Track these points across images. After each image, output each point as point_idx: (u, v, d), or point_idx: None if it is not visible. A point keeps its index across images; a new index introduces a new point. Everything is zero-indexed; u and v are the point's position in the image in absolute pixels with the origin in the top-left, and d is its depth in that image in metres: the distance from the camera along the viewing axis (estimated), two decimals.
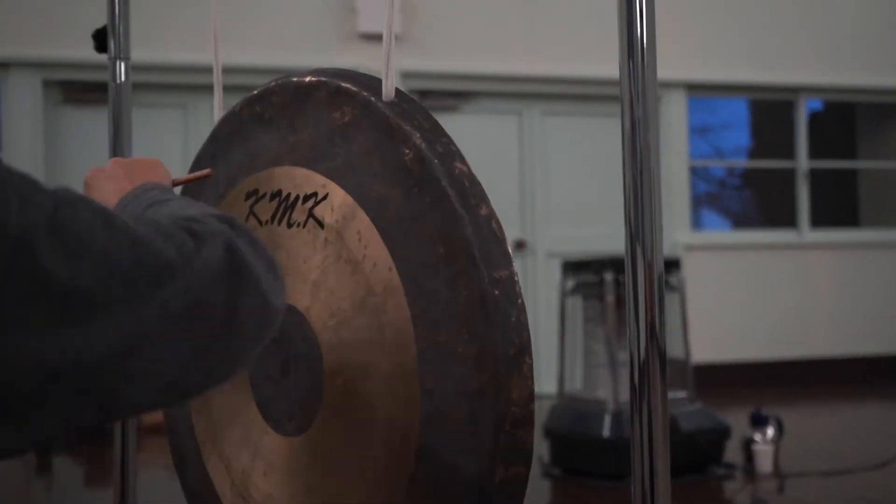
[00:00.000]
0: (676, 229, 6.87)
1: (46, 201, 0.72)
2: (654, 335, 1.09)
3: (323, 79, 1.38)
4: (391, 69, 1.29)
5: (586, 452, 3.84)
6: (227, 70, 6.17)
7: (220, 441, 1.56)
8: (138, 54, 1.82)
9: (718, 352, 6.85)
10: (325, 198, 1.35)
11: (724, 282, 6.99)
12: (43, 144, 5.89)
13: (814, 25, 7.25)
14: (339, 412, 1.34)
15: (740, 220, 8.77)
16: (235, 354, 0.85)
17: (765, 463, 3.94)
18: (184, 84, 6.12)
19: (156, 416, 5.43)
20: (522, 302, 1.20)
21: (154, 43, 5.84)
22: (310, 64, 6.11)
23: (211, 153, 1.55)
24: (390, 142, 1.27)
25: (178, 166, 6.20)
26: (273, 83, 1.46)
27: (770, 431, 4.05)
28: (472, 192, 1.22)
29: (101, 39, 1.74)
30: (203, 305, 0.79)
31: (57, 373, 0.71)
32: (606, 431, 3.78)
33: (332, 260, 1.34)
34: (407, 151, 1.25)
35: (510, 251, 1.22)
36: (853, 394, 6.39)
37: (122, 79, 1.76)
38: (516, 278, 1.21)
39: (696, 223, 7.65)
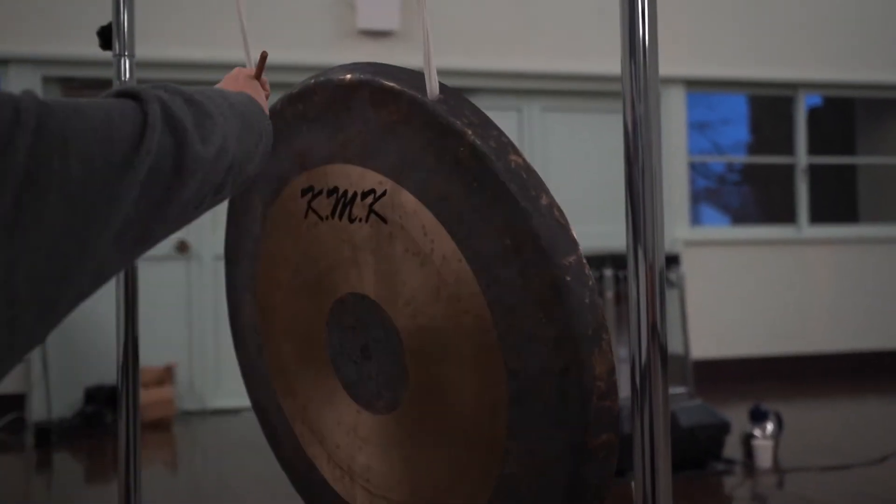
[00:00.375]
0: (675, 225, 6.88)
1: (28, 103, 0.78)
2: (656, 334, 1.09)
3: (363, 77, 1.40)
4: (433, 67, 1.32)
5: None
6: (229, 66, 6.20)
7: (310, 419, 1.64)
8: (141, 51, 1.83)
9: (718, 347, 6.85)
10: (383, 194, 1.39)
11: (724, 278, 7.00)
12: None
13: (813, 21, 7.25)
14: (426, 392, 1.41)
15: (739, 216, 8.77)
16: (185, 201, 0.95)
17: (764, 458, 3.95)
18: (186, 81, 6.11)
19: (156, 412, 5.44)
20: (594, 283, 1.24)
21: (156, 39, 5.84)
22: (310, 61, 6.12)
23: None
24: (443, 139, 1.30)
25: None
26: (312, 81, 1.48)
27: (769, 427, 4.05)
28: (530, 183, 1.26)
29: (106, 37, 1.75)
30: (158, 163, 0.89)
31: (67, 251, 0.79)
32: None
33: (399, 252, 1.39)
34: (461, 149, 1.28)
35: (575, 235, 1.26)
36: (852, 389, 6.40)
37: (127, 76, 1.76)
38: (584, 261, 1.25)
39: (695, 219, 7.65)
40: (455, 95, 1.34)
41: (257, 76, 1.43)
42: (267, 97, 1.44)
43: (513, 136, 6.75)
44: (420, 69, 1.38)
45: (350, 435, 1.56)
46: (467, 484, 1.39)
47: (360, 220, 1.44)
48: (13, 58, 5.82)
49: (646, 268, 1.10)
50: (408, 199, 1.36)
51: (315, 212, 1.51)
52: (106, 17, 1.81)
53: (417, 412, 1.43)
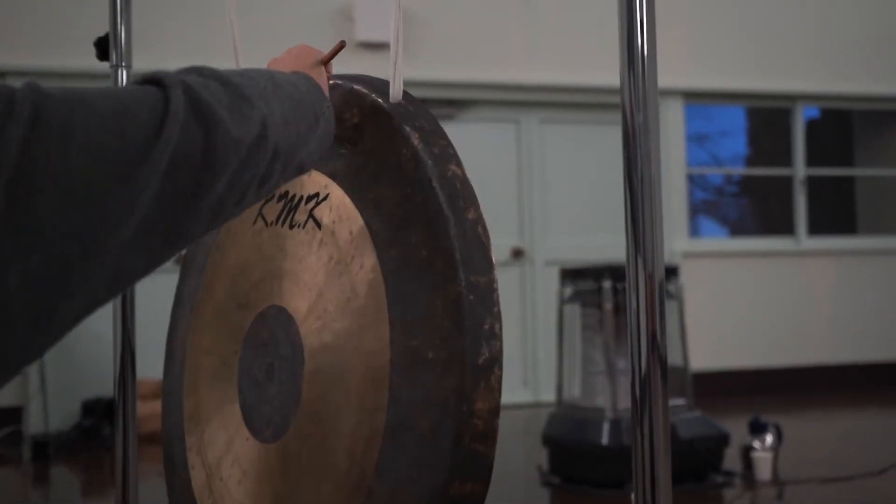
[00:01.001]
0: (674, 237, 6.87)
1: (26, 94, 0.73)
2: (656, 345, 1.09)
3: (338, 82, 1.38)
4: (399, 71, 1.30)
5: (585, 460, 3.84)
6: None
7: (205, 448, 1.53)
8: (138, 62, 1.82)
9: (717, 359, 6.84)
10: (325, 198, 1.35)
11: (722, 289, 6.99)
12: None
13: (811, 33, 7.26)
14: (312, 419, 1.31)
15: (738, 228, 8.77)
16: (212, 193, 0.88)
17: (764, 470, 3.94)
18: None
19: (154, 425, 5.42)
20: (499, 311, 1.16)
21: (152, 51, 5.84)
22: None
23: None
24: (392, 143, 1.27)
25: None
26: None
27: (769, 438, 4.04)
28: (462, 194, 1.20)
29: (103, 48, 1.74)
30: (182, 153, 0.82)
31: (67, 253, 0.73)
32: (605, 439, 3.78)
33: (324, 261, 1.33)
34: (405, 152, 1.24)
35: (493, 258, 1.18)
36: (852, 401, 6.39)
37: None
38: (495, 286, 1.17)
39: (694, 231, 7.65)
40: (416, 103, 1.31)
41: (325, 62, 1.35)
42: (330, 81, 1.35)
43: (511, 147, 6.76)
44: (412, 81, 1.37)
45: (234, 466, 1.45)
46: None
47: (299, 225, 1.38)
48: (9, 70, 5.82)
49: (645, 278, 1.10)
50: (344, 203, 1.31)
51: (263, 217, 1.46)
52: (103, 29, 1.80)
53: (299, 442, 1.33)
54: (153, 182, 0.79)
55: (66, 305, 0.76)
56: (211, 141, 0.85)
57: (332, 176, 1.35)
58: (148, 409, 5.47)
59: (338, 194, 1.33)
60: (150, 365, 5.89)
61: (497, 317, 1.16)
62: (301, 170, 1.06)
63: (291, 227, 1.39)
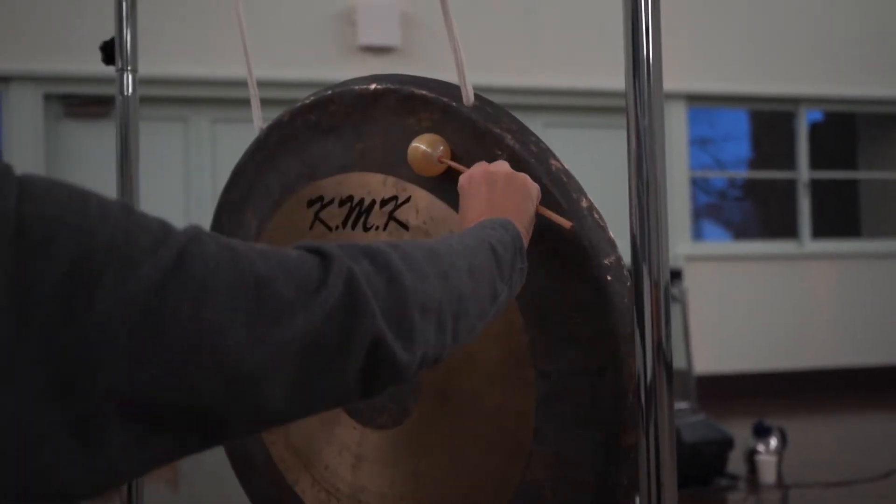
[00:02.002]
0: (677, 240, 6.87)
1: (179, 239, 0.72)
2: (661, 350, 1.09)
3: (390, 86, 1.39)
4: (466, 75, 1.33)
5: None
6: (229, 83, 6.20)
7: (294, 441, 1.58)
8: (141, 67, 1.83)
9: (720, 362, 6.83)
10: (406, 201, 1.37)
11: (726, 293, 6.99)
12: (44, 158, 5.90)
13: (814, 36, 7.26)
14: (440, 401, 1.38)
15: (741, 231, 8.77)
16: (341, 387, 0.83)
17: (768, 474, 3.94)
18: (185, 97, 6.13)
19: None
20: (630, 285, 1.23)
21: (156, 56, 5.85)
22: (310, 77, 6.13)
23: (258, 162, 1.55)
24: (479, 145, 1.29)
25: (179, 179, 6.20)
26: (329, 91, 1.46)
27: (773, 442, 4.04)
28: (571, 186, 1.27)
29: (108, 52, 1.74)
30: (319, 342, 0.78)
31: (175, 404, 0.71)
32: None
33: None
34: (499, 153, 1.28)
35: (613, 238, 1.27)
36: (856, 404, 6.38)
37: (130, 91, 1.75)
38: (622, 262, 1.25)
39: (697, 234, 7.65)
40: (492, 104, 1.34)
41: (545, 214, 1.23)
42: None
43: None
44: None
45: (343, 454, 1.51)
46: (481, 493, 1.36)
47: (377, 227, 1.40)
48: (15, 75, 5.83)
49: (650, 282, 1.10)
50: (435, 204, 1.34)
51: (323, 222, 1.47)
52: (108, 33, 1.80)
53: (428, 424, 1.40)
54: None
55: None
56: (367, 358, 0.82)
57: (411, 180, 1.36)
58: None
59: (424, 197, 1.35)
60: None
61: (630, 290, 1.23)
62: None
63: (366, 229, 1.41)
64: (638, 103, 1.09)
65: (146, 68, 6.37)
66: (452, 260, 0.94)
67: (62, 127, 6.03)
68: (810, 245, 7.31)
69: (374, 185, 1.41)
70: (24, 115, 5.86)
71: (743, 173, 8.69)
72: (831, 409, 6.23)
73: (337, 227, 1.45)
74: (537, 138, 1.30)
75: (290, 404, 0.79)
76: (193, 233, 0.74)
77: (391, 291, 0.84)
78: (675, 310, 4.11)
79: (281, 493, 1.63)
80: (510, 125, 1.30)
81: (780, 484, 3.90)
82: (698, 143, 7.66)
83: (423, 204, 1.36)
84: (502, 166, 1.20)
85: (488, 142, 1.28)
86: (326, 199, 1.46)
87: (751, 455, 4.02)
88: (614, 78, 6.66)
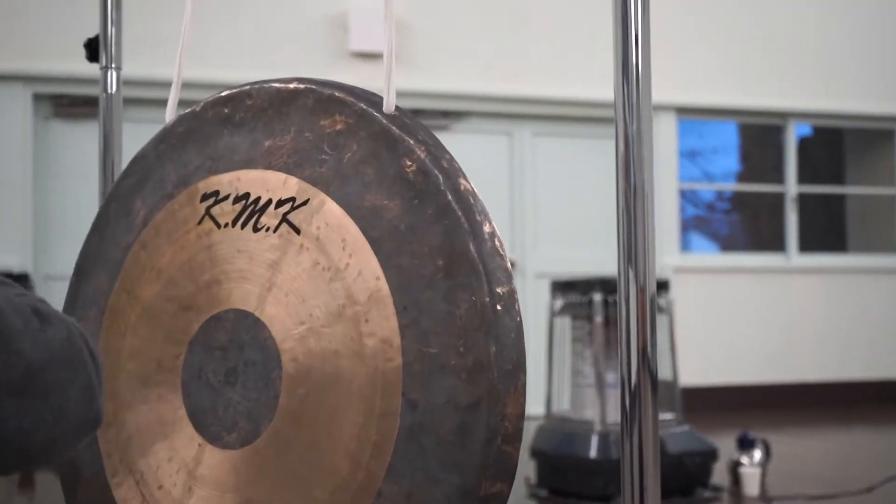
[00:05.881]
0: (665, 252, 6.88)
1: None
2: (646, 359, 1.08)
3: (312, 86, 1.36)
4: (392, 82, 1.29)
5: (573, 473, 3.83)
6: (220, 87, 6.17)
7: (132, 454, 1.47)
8: (129, 69, 1.81)
9: (706, 374, 6.84)
10: (304, 203, 1.32)
11: (712, 305, 7.00)
12: (32, 158, 5.87)
13: (804, 51, 7.28)
14: (295, 423, 1.30)
15: (728, 244, 8.78)
16: (54, 443, 0.85)
17: (751, 486, 3.93)
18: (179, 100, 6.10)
19: None
20: (521, 320, 1.20)
21: (142, 58, 5.83)
22: None
23: (159, 151, 1.50)
24: (391, 153, 1.26)
25: None
26: (248, 86, 1.43)
27: (757, 454, 4.04)
28: (476, 208, 1.23)
29: (93, 49, 1.73)
30: (38, 383, 0.81)
31: None
32: (594, 452, 3.77)
33: (306, 266, 1.31)
34: (409, 163, 1.25)
35: (510, 269, 1.23)
36: (840, 418, 6.39)
37: (114, 89, 1.74)
38: (516, 295, 1.21)
39: (685, 246, 7.66)
40: (410, 116, 1.31)
41: None
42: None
43: (503, 160, 6.76)
44: (406, 91, 1.36)
45: (181, 473, 1.41)
46: None
47: (268, 229, 1.35)
48: (3, 75, 5.81)
49: (637, 290, 1.09)
50: (332, 209, 1.30)
51: (213, 218, 1.42)
52: (95, 32, 1.80)
53: (278, 447, 1.31)
54: None
55: None
56: None
57: (313, 182, 1.32)
58: None
59: (322, 201, 1.31)
60: None
61: (520, 325, 1.20)
62: None
63: (256, 229, 1.36)
64: (626, 107, 1.08)
65: (134, 69, 6.35)
66: None
67: (51, 127, 6.01)
68: (797, 259, 7.33)
69: (274, 184, 1.36)
70: (13, 115, 5.84)
71: (731, 186, 8.71)
72: (816, 422, 6.23)
73: (225, 225, 1.40)
74: (451, 157, 1.27)
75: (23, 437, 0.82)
76: None
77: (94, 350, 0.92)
78: (662, 320, 4.11)
79: None
80: (426, 139, 1.27)
81: (764, 496, 3.90)
82: (687, 155, 7.67)
83: (320, 209, 1.31)
84: None
85: (400, 150, 1.25)
86: (222, 195, 1.41)
87: (735, 467, 4.02)
88: (604, 88, 6.68)
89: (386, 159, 1.27)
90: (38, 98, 5.96)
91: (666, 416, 3.94)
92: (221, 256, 1.40)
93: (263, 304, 1.35)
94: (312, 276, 1.31)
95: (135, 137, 6.53)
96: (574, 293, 4.10)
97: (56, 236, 5.88)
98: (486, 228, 1.22)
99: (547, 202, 6.81)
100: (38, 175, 5.91)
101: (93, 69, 1.77)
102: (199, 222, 1.43)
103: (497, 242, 1.23)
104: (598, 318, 3.94)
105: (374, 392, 1.24)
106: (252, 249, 1.37)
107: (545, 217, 6.81)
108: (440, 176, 1.23)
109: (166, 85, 6.00)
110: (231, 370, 1.37)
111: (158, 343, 1.46)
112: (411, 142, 1.25)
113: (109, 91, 1.74)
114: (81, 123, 5.99)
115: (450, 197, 1.22)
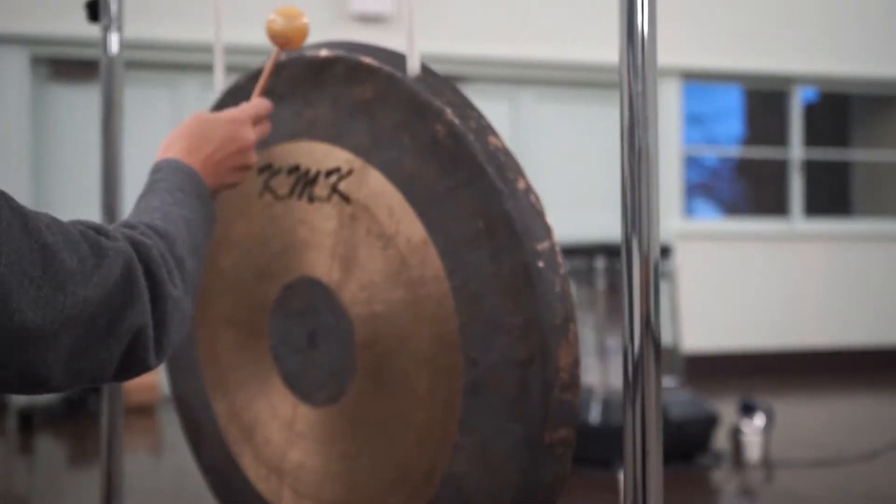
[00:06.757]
0: (669, 217, 6.85)
1: None
2: (649, 326, 1.07)
3: (340, 53, 1.36)
4: (415, 44, 1.28)
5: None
6: (226, 49, 6.09)
7: (240, 414, 1.58)
8: (129, 31, 1.78)
9: (708, 340, 6.84)
10: (349, 173, 1.36)
11: (716, 270, 6.98)
12: (31, 121, 5.83)
13: (809, 14, 7.22)
14: (374, 381, 1.36)
15: (732, 209, 8.75)
16: (104, 366, 0.92)
17: (753, 452, 3.93)
18: (173, 63, 6.06)
19: (140, 396, 5.40)
20: (566, 272, 1.22)
21: (144, 20, 5.78)
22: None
23: None
24: (420, 118, 1.27)
25: None
26: (283, 56, 1.43)
27: (759, 421, 4.04)
28: (508, 166, 1.24)
29: (94, 8, 1.69)
30: (95, 318, 0.88)
31: None
32: (595, 418, 3.77)
33: (361, 234, 1.35)
34: (439, 128, 1.25)
35: (549, 223, 1.24)
36: (843, 384, 6.39)
37: (115, 50, 1.70)
38: (557, 249, 1.23)
39: (689, 211, 7.63)
40: (435, 76, 1.31)
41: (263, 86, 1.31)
42: (262, 136, 1.31)
43: (505, 124, 6.72)
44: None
45: (284, 430, 1.51)
46: (410, 482, 1.34)
47: (321, 199, 1.39)
48: (1, 37, 5.75)
49: (640, 257, 1.07)
50: (376, 178, 1.32)
51: (271, 191, 1.47)
52: None
53: (363, 404, 1.38)
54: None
55: None
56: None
57: (354, 151, 1.34)
58: (134, 381, 5.45)
59: (365, 170, 1.34)
60: None
61: (564, 277, 1.22)
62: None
63: (311, 200, 1.41)
64: (631, 70, 1.06)
65: (135, 31, 6.29)
66: (183, 214, 1.09)
67: (49, 90, 5.97)
68: (801, 224, 7.30)
69: (319, 155, 1.39)
70: (11, 78, 5.79)
71: (736, 151, 8.67)
72: (818, 388, 6.24)
73: (283, 197, 1.45)
74: (479, 114, 1.27)
75: (63, 372, 0.87)
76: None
77: (172, 252, 1.01)
78: (665, 286, 4.10)
79: (223, 464, 1.62)
80: (452, 99, 1.27)
81: (765, 462, 3.90)
82: (692, 120, 7.63)
83: (363, 177, 1.34)
84: (227, 114, 1.26)
85: (429, 115, 1.26)
86: (275, 167, 1.46)
87: (736, 433, 4.01)
88: (608, 51, 6.63)
89: (417, 125, 1.27)
90: (36, 61, 5.91)
91: (668, 381, 3.94)
92: (285, 227, 1.46)
93: (328, 271, 1.40)
94: (366, 243, 1.35)
95: (136, 101, 6.49)
96: (576, 259, 4.08)
97: (56, 202, 5.85)
98: (521, 185, 1.23)
99: (549, 167, 6.77)
100: (36, 138, 5.87)
101: (92, 31, 1.74)
102: (261, 195, 1.49)
103: (532, 198, 1.23)
104: (601, 285, 3.92)
105: (436, 352, 1.29)
106: (311, 219, 1.42)
107: (548, 182, 6.78)
108: (469, 136, 1.23)
109: (167, 48, 5.96)
110: (311, 334, 1.45)
111: (245, 310, 1.55)
112: (438, 104, 1.26)
113: (110, 52, 1.70)
114: (80, 86, 5.95)
115: (480, 158, 1.22)
